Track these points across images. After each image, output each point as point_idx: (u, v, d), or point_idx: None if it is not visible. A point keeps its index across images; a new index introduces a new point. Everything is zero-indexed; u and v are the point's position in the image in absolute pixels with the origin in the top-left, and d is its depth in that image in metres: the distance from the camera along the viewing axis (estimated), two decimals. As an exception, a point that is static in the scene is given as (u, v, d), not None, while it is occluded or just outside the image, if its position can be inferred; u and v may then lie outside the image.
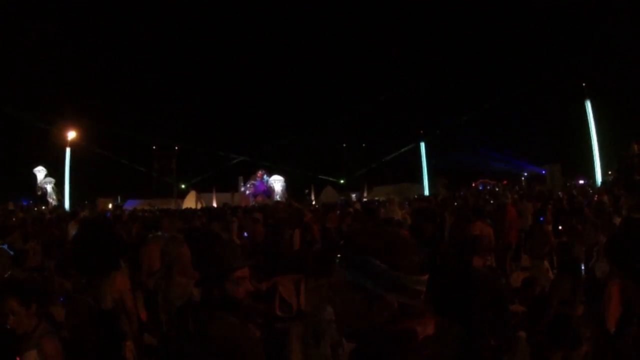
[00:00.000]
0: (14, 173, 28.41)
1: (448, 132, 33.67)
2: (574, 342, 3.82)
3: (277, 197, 32.16)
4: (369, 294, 1.11)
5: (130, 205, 25.69)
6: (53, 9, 28.96)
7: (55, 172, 29.50)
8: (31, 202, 27.39)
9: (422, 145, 34.48)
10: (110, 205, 27.42)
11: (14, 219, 13.17)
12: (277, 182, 33.94)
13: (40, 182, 29.09)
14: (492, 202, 14.06)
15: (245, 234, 8.38)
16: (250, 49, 35.97)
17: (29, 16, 28.75)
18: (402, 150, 34.53)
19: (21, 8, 28.14)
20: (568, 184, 25.40)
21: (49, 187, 28.59)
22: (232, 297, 1.89)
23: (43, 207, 25.30)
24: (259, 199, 32.33)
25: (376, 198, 27.42)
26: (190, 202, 30.06)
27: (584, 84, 27.52)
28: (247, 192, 33.99)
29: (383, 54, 34.82)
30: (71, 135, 28.88)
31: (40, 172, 29.54)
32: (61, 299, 3.57)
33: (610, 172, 26.45)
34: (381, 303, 1.11)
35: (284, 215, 9.72)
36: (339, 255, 1.17)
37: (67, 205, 27.72)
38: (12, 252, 5.54)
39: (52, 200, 28.24)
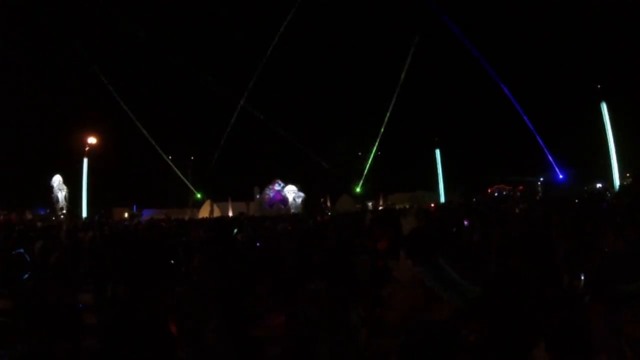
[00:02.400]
0: (30, 182, 28.74)
1: (463, 138, 33.45)
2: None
3: (292, 207, 32.17)
4: (432, 294, 1.14)
5: (146, 215, 25.88)
6: (71, 19, 29.33)
7: (72, 181, 29.91)
8: (48, 210, 27.69)
9: (437, 152, 34.38)
10: (126, 215, 27.66)
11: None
12: (290, 193, 33.92)
13: (54, 190, 29.47)
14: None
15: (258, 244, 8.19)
16: (264, 57, 36.06)
17: (47, 26, 29.18)
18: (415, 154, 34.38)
19: (37, 18, 28.55)
20: (585, 188, 25.12)
21: (60, 195, 28.88)
22: None
23: (61, 217, 25.56)
24: (275, 208, 32.37)
25: (395, 206, 27.32)
26: (206, 211, 30.22)
27: (599, 86, 27.29)
28: (263, 201, 34.03)
29: (398, 62, 34.66)
30: (89, 144, 29.31)
31: (56, 182, 29.95)
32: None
33: (628, 175, 26.13)
34: (441, 304, 1.14)
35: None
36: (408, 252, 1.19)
37: (84, 214, 28.05)
38: (28, 258, 5.63)
39: (63, 208, 28.51)
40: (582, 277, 3.99)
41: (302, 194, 33.62)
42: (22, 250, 5.18)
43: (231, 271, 3.97)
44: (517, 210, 12.49)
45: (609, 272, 2.30)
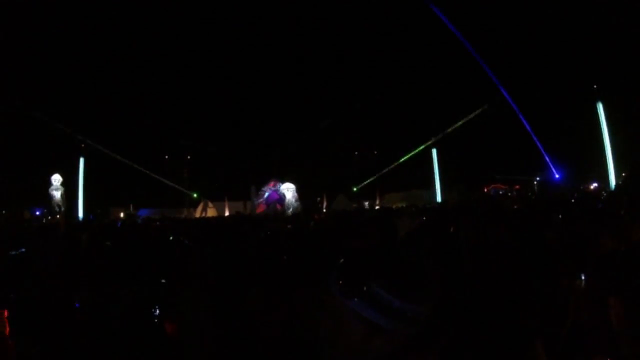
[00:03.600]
0: (26, 181, 28.68)
1: (459, 137, 33.48)
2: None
3: (289, 206, 32.12)
4: (372, 325, 1.03)
5: (142, 214, 25.86)
6: (68, 15, 29.24)
7: (68, 180, 29.83)
8: (45, 210, 27.64)
9: (434, 151, 34.40)
10: (122, 214, 27.64)
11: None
12: (288, 191, 33.87)
13: (50, 190, 29.37)
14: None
15: None
16: (261, 58, 36.08)
17: (41, 23, 29.09)
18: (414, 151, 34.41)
19: (32, 17, 28.46)
20: (581, 187, 25.20)
21: (57, 195, 28.78)
22: None
23: (57, 217, 25.52)
24: (271, 207, 32.34)
25: (392, 205, 27.34)
26: (201, 211, 30.26)
27: (595, 86, 27.37)
28: (259, 200, 34.00)
29: (394, 60, 34.69)
30: (85, 144, 29.25)
31: (54, 181, 29.86)
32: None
33: (624, 174, 26.22)
34: (384, 335, 1.03)
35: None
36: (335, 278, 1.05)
37: (80, 214, 28.02)
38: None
39: (60, 207, 28.41)
40: (583, 278, 4.01)
41: (296, 194, 33.62)
42: (23, 250, 5.14)
43: (232, 270, 3.98)
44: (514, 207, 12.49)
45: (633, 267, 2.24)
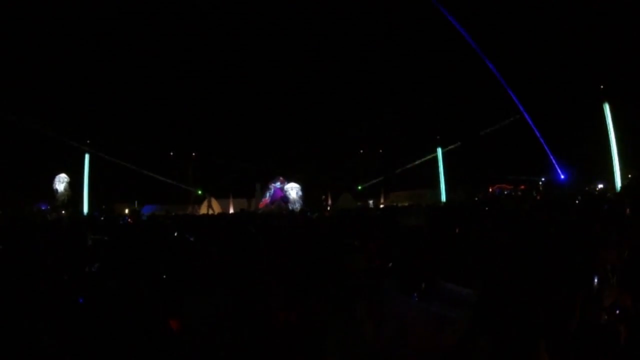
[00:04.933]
0: (32, 178, 28.84)
1: (465, 137, 33.43)
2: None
3: (293, 204, 32.20)
4: (438, 319, 1.01)
5: (147, 211, 25.95)
6: (71, 14, 29.33)
7: (73, 177, 30.10)
8: (49, 207, 27.82)
9: (439, 150, 34.35)
10: (127, 211, 27.74)
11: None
12: (292, 189, 33.95)
13: (54, 185, 29.60)
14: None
15: None
16: (268, 56, 36.05)
17: (47, 24, 29.20)
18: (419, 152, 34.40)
19: (40, 19, 28.59)
20: (587, 188, 25.08)
21: (60, 189, 28.97)
22: None
23: (63, 212, 25.67)
24: (276, 204, 32.44)
25: (394, 204, 27.34)
26: (206, 208, 30.34)
27: (601, 87, 27.26)
28: (264, 198, 34.09)
29: (400, 61, 34.63)
30: (90, 141, 29.45)
31: (60, 178, 30.08)
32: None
33: (630, 175, 26.10)
34: (453, 327, 1.01)
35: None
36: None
37: (85, 209, 28.19)
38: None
39: (63, 203, 28.60)
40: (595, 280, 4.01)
41: (300, 193, 33.65)
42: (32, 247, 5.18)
43: (239, 268, 3.99)
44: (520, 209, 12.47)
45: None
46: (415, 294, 1.05)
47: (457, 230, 6.41)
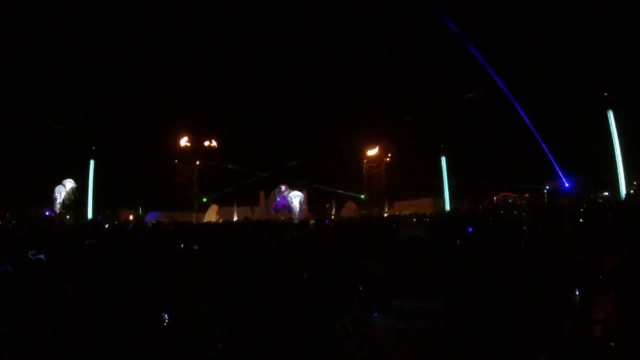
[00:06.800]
0: (37, 183, 29.00)
1: (468, 145, 33.39)
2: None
3: (296, 213, 32.25)
4: (397, 332, 1.08)
5: (151, 217, 26.02)
6: (77, 17, 29.55)
7: (78, 183, 30.27)
8: (53, 215, 27.95)
9: (443, 159, 34.35)
10: (131, 217, 27.85)
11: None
12: (296, 198, 34.02)
13: (56, 191, 29.76)
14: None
15: None
16: (272, 65, 36.22)
17: (55, 33, 29.44)
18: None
19: (43, 16, 28.79)
20: (591, 196, 25.01)
21: (60, 196, 29.14)
22: None
23: (67, 217, 25.79)
24: (280, 213, 32.46)
25: (397, 212, 27.30)
26: (211, 215, 30.38)
27: (605, 94, 27.24)
28: (268, 206, 34.16)
29: (404, 71, 34.74)
30: (95, 147, 29.63)
31: (65, 184, 30.25)
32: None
33: (635, 182, 26.04)
34: (412, 338, 1.09)
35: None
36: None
37: (89, 215, 28.31)
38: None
39: (64, 208, 28.73)
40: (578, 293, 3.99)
41: (303, 202, 33.72)
42: (42, 256, 5.20)
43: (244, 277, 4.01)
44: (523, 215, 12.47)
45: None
46: (376, 313, 1.10)
47: (457, 242, 6.41)
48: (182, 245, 6.83)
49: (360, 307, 1.15)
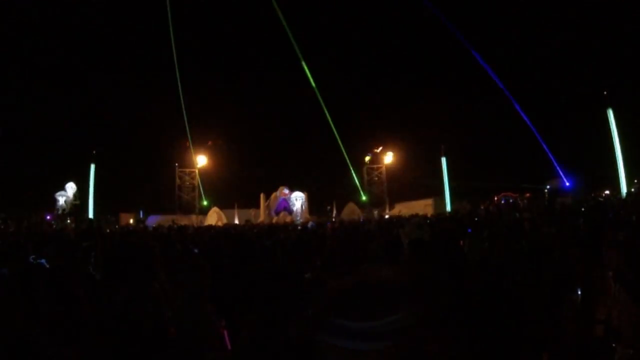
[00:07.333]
0: (38, 188, 29.05)
1: (469, 145, 33.40)
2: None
3: (297, 214, 32.19)
4: (350, 352, 1.04)
5: (152, 221, 26.00)
6: (78, 21, 29.60)
7: (79, 187, 30.30)
8: (54, 221, 27.98)
9: (444, 160, 34.29)
10: (131, 220, 27.84)
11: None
12: (297, 200, 33.96)
13: (57, 197, 29.78)
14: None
15: None
16: (271, 67, 36.27)
17: (51, 36, 29.51)
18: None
19: (44, 20, 28.84)
20: (592, 195, 24.96)
21: (61, 200, 29.17)
22: None
23: (68, 221, 25.82)
24: (281, 216, 32.40)
25: (398, 214, 27.29)
26: (212, 218, 30.32)
27: (605, 93, 27.20)
28: (269, 208, 34.08)
29: (404, 71, 34.77)
30: (96, 151, 29.67)
31: (67, 188, 30.28)
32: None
33: (636, 181, 26.01)
34: (368, 357, 1.04)
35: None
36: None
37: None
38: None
39: (64, 213, 28.76)
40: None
41: (305, 204, 33.67)
42: (43, 261, 5.20)
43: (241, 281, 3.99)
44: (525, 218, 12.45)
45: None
46: (322, 334, 1.08)
47: (461, 243, 6.39)
48: (181, 248, 6.85)
49: (311, 329, 1.12)
